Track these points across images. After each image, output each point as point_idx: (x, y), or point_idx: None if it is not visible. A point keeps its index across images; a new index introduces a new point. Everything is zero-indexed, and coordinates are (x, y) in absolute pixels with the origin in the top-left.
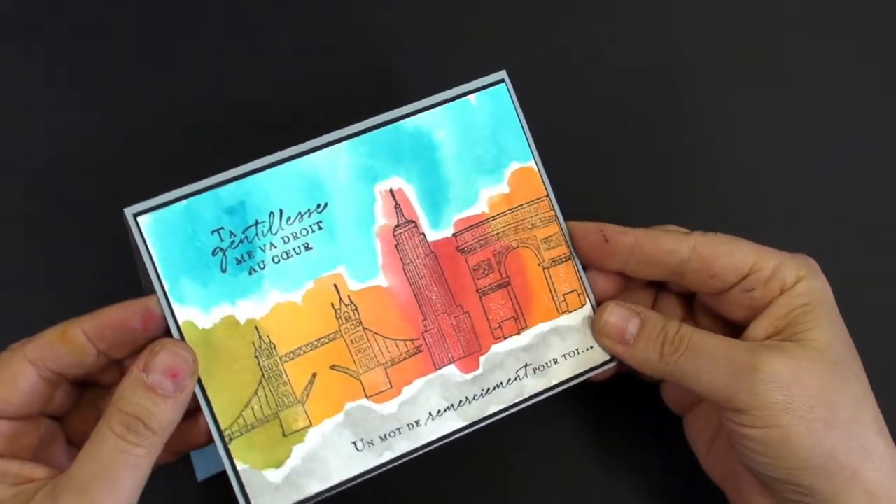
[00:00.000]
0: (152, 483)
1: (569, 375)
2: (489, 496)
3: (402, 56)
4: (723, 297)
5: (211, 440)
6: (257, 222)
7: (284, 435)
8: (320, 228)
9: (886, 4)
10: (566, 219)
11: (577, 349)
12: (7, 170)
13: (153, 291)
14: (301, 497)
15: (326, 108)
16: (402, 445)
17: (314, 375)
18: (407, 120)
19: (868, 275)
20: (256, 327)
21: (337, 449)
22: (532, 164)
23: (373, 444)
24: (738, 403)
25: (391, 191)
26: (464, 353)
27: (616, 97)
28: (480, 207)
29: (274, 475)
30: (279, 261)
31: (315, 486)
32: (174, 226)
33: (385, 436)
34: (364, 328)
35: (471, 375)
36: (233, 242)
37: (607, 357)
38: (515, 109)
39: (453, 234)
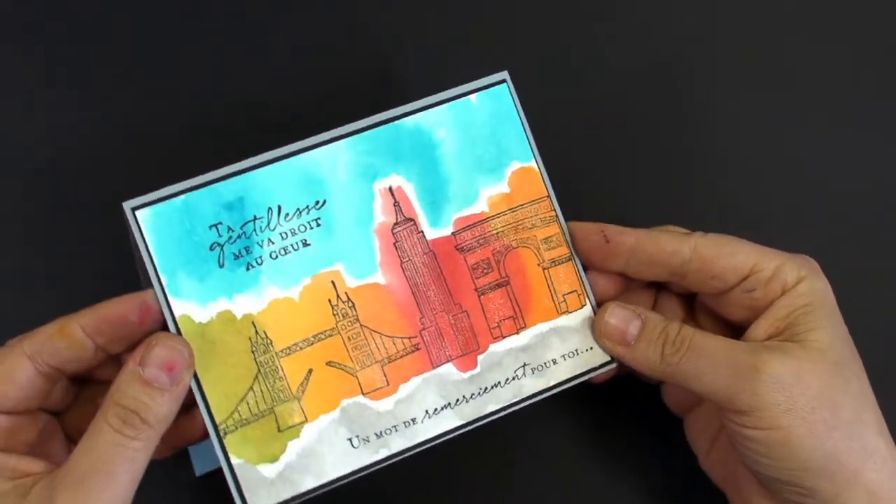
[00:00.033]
0: (151, 478)
1: (568, 376)
2: (488, 496)
3: (402, 56)
4: (724, 298)
5: (208, 435)
6: (255, 218)
7: (279, 430)
8: (318, 225)
9: (886, 4)
10: (566, 219)
11: (576, 350)
12: (7, 170)
13: (151, 286)
14: (296, 492)
15: (326, 108)
16: (398, 443)
17: (310, 371)
18: (407, 118)
19: (868, 275)
20: (253, 322)
21: (332, 445)
22: (533, 164)
23: (368, 441)
24: (739, 405)
25: (390, 189)
26: (461, 351)
27: (616, 97)
28: (480, 207)
29: (269, 470)
30: (277, 257)
31: (310, 482)
32: (172, 220)
33: (381, 433)
34: (361, 325)
35: (468, 374)
36: (230, 238)
37: (607, 358)
38: (517, 109)
39: (452, 233)
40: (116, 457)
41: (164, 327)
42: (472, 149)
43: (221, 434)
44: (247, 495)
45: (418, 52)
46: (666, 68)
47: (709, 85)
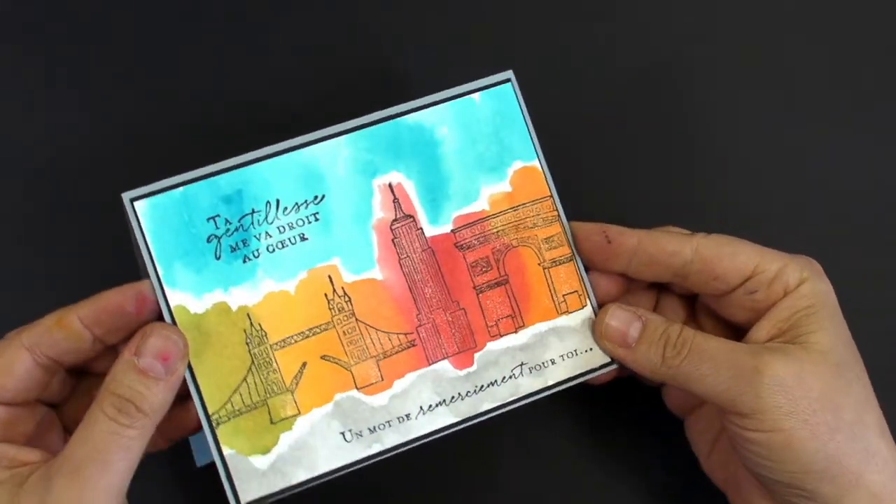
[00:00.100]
0: (152, 469)
1: (566, 376)
2: (488, 495)
3: (402, 56)
4: (725, 299)
5: (202, 426)
6: (253, 211)
7: (272, 422)
8: (317, 220)
9: (886, 4)
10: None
11: (575, 350)
12: (7, 170)
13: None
14: (287, 484)
15: (326, 108)
16: (392, 438)
17: (304, 364)
18: (409, 116)
19: (868, 275)
20: (248, 314)
21: (325, 438)
22: (536, 163)
23: (361, 436)
24: (741, 407)
25: (390, 185)
26: (458, 349)
27: (616, 97)
28: (481, 205)
29: (260, 461)
30: (274, 250)
31: (301, 475)
32: (170, 212)
33: (374, 428)
34: (357, 320)
35: (464, 372)
36: (228, 230)
37: (606, 360)
38: (521, 109)
39: (452, 231)
40: (112, 445)
41: (161, 318)
42: (474, 147)
43: (214, 424)
44: (238, 486)
45: (418, 52)
46: (666, 68)
47: (709, 85)
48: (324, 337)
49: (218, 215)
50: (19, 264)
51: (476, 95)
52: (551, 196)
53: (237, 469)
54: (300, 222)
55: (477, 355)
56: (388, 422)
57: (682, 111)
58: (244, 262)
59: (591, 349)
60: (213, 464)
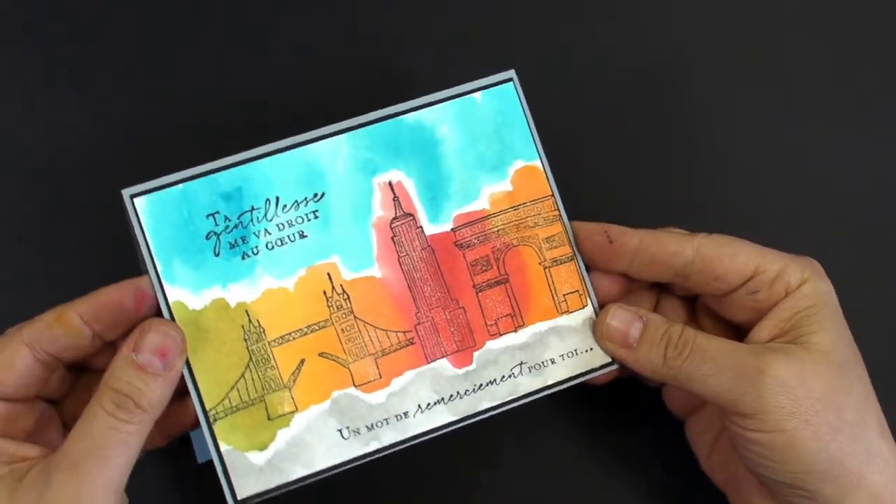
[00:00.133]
0: (154, 465)
1: (566, 376)
2: (488, 495)
3: (402, 56)
4: (727, 300)
5: (199, 422)
6: (253, 208)
7: (269, 418)
8: (316, 217)
9: (886, 4)
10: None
11: (575, 350)
12: (7, 170)
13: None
14: (284, 481)
15: (326, 108)
16: (390, 436)
17: (302, 361)
18: (409, 115)
19: (868, 275)
20: (247, 311)
21: (322, 436)
22: (538, 163)
23: (359, 433)
24: (743, 408)
25: (390, 184)
26: (457, 347)
27: (616, 97)
28: (481, 204)
29: (257, 458)
30: (273, 247)
31: (298, 471)
32: (170, 208)
33: (372, 425)
34: (355, 317)
35: (463, 370)
36: (227, 227)
37: (607, 360)
38: (523, 108)
39: (452, 229)
40: (110, 440)
41: (160, 314)
42: (475, 146)
43: (211, 420)
44: (234, 482)
45: (418, 52)
46: (666, 68)
47: (709, 85)
48: (322, 334)
49: (217, 212)
50: (19, 264)
51: (477, 94)
52: (552, 195)
53: (234, 465)
54: (299, 220)
55: (476, 354)
56: (386, 420)
57: (682, 111)
58: (243, 258)
59: (591, 349)
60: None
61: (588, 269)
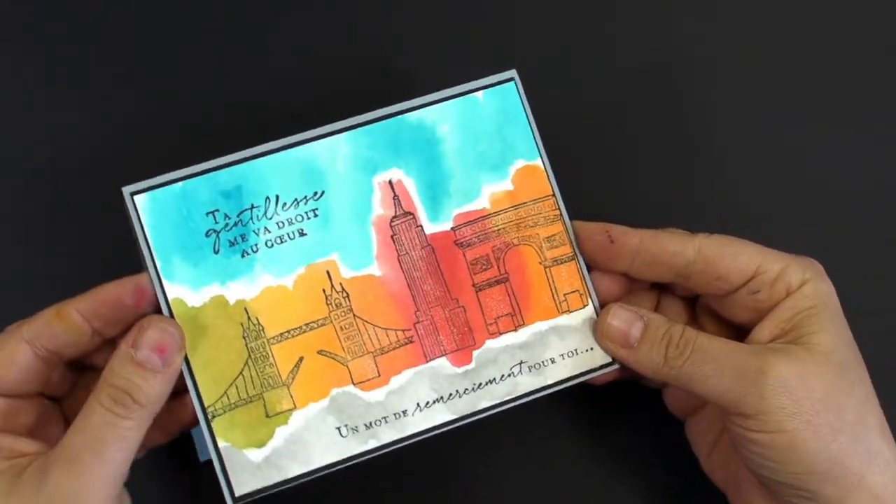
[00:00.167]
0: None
1: (565, 376)
2: (487, 495)
3: (402, 56)
4: (727, 300)
5: (198, 419)
6: (252, 206)
7: (268, 416)
8: (316, 215)
9: (886, 4)
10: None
11: (575, 350)
12: (7, 170)
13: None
14: (281, 478)
15: (326, 108)
16: (388, 434)
17: (301, 359)
18: (410, 114)
19: (868, 275)
20: (246, 308)
21: (320, 433)
22: (539, 162)
23: (357, 431)
24: (745, 408)
25: (390, 182)
26: (456, 346)
27: (616, 97)
28: (482, 203)
29: (255, 455)
30: (272, 245)
31: (296, 469)
32: (169, 206)
33: (370, 423)
34: (354, 315)
35: (462, 369)
36: (227, 225)
37: (607, 359)
38: (524, 108)
39: (452, 228)
40: (108, 436)
41: (159, 310)
42: (476, 146)
43: (209, 417)
44: (232, 479)
45: (418, 52)
46: (666, 68)
47: (709, 85)
48: (321, 332)
49: (217, 210)
50: (19, 264)
51: (479, 94)
52: (553, 195)
53: (232, 462)
54: (299, 218)
55: (475, 353)
56: (385, 418)
57: (682, 111)
58: (242, 256)
59: (591, 349)
60: None
61: (589, 268)
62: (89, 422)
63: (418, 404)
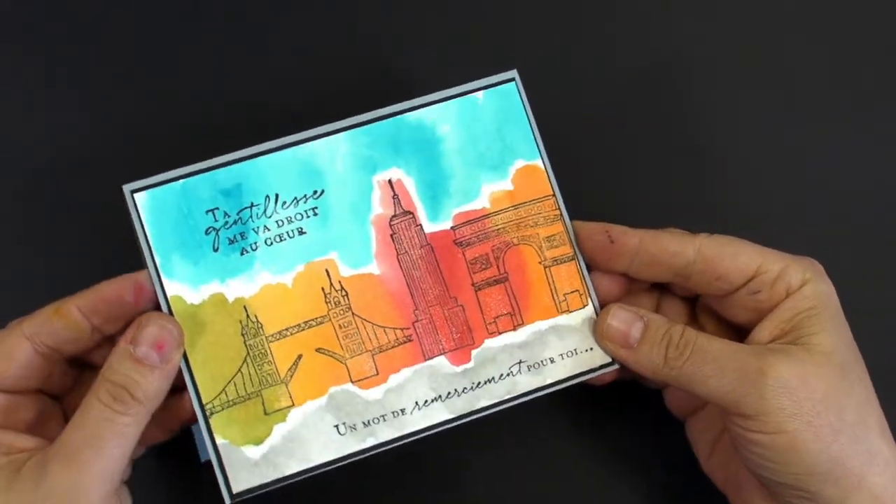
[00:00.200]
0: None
1: (565, 375)
2: (487, 495)
3: (402, 56)
4: (728, 300)
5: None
6: (252, 205)
7: (266, 413)
8: (315, 214)
9: (886, 4)
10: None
11: (575, 349)
12: (7, 170)
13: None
14: (279, 475)
15: (326, 108)
16: (386, 433)
17: (299, 357)
18: (410, 114)
19: (868, 275)
20: (245, 306)
21: (318, 431)
22: (539, 162)
23: (355, 429)
24: (745, 409)
25: (390, 181)
26: (455, 345)
27: (616, 97)
28: (481, 203)
29: (253, 452)
30: (272, 243)
31: (294, 466)
32: (169, 204)
33: (368, 422)
34: (353, 314)
35: (461, 368)
36: (226, 223)
37: (607, 360)
38: (525, 108)
39: (451, 228)
40: (106, 431)
41: (158, 308)
42: (476, 145)
43: (207, 414)
44: (230, 475)
45: (418, 52)
46: (666, 68)
47: (709, 85)
48: (320, 330)
49: (217, 208)
50: (19, 264)
51: (479, 94)
52: (554, 195)
53: (230, 459)
54: (299, 216)
55: (474, 352)
56: (383, 416)
57: (682, 111)
58: (242, 254)
59: (591, 349)
60: None
61: (588, 269)
62: (88, 417)
63: (417, 403)
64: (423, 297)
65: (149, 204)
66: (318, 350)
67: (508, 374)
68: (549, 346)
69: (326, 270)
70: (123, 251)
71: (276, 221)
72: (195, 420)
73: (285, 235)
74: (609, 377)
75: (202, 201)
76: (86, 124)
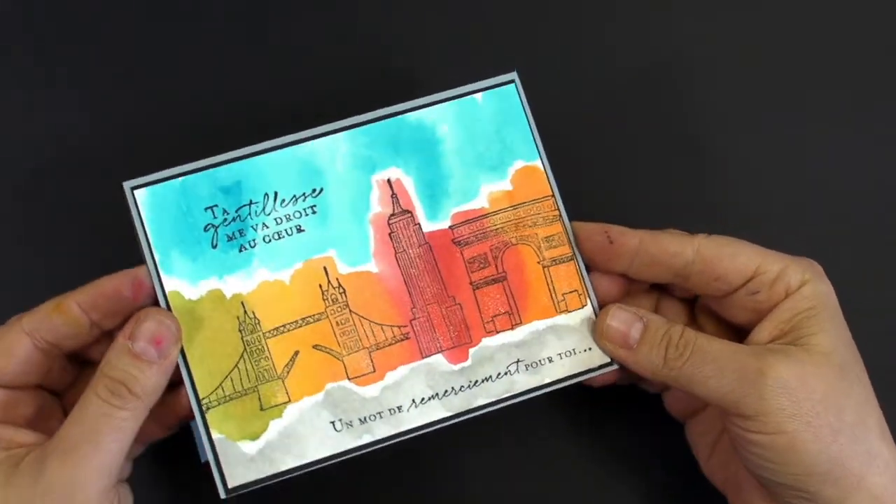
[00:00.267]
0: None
1: (563, 375)
2: (487, 495)
3: (402, 56)
4: (727, 301)
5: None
6: (251, 202)
7: (262, 409)
8: (314, 212)
9: (886, 4)
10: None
11: (573, 349)
12: (7, 170)
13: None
14: (274, 471)
15: (326, 109)
16: (383, 430)
17: (296, 353)
18: (410, 114)
19: (868, 275)
20: (242, 302)
21: (314, 427)
22: (538, 163)
23: (352, 426)
24: (745, 409)
25: (389, 181)
26: (453, 343)
27: (616, 97)
28: (480, 202)
29: (249, 447)
30: (270, 240)
31: (290, 462)
32: (169, 201)
33: (365, 419)
34: (350, 311)
35: (458, 366)
36: (225, 220)
37: (605, 360)
38: (524, 110)
39: (450, 227)
40: (104, 426)
41: (157, 303)
42: (475, 146)
43: (204, 409)
44: (225, 470)
45: (418, 52)
46: (666, 68)
47: (709, 85)
48: (317, 327)
49: (216, 205)
50: (19, 264)
51: (478, 95)
52: (553, 195)
53: (226, 454)
54: (297, 214)
55: (472, 350)
56: (380, 413)
57: (682, 111)
58: (240, 251)
59: (589, 349)
60: None
61: (588, 269)
62: (86, 412)
63: (413, 400)
64: (421, 296)
65: (149, 201)
66: (315, 347)
67: (506, 373)
68: (548, 345)
69: (324, 268)
70: (123, 250)
71: (275, 219)
72: (193, 416)
73: (284, 233)
74: (606, 380)
75: (201, 198)
76: (86, 124)
